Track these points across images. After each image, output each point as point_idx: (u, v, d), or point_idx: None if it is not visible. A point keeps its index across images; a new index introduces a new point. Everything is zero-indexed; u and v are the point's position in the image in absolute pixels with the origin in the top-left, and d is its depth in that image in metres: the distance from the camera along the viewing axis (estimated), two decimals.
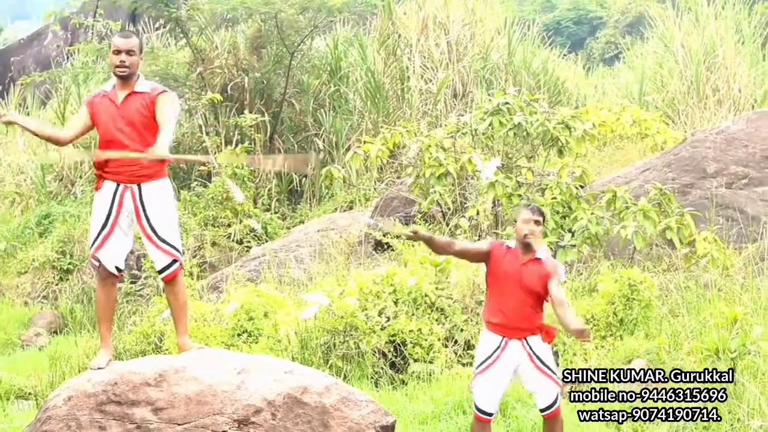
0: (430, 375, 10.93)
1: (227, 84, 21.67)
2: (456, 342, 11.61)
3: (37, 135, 8.15)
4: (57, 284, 18.78)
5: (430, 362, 11.16)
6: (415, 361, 11.17)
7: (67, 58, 29.43)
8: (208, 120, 21.48)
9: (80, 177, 23.28)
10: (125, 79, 7.88)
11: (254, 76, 21.90)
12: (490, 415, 7.92)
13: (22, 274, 19.33)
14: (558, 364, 7.89)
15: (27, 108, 26.83)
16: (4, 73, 32.53)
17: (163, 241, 7.92)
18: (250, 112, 20.74)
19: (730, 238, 13.59)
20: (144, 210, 7.82)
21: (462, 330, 11.66)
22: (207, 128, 21.16)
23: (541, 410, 7.99)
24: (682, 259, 13.02)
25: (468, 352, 11.33)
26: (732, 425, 8.79)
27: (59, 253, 19.43)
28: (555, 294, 7.54)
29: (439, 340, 11.40)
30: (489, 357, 7.87)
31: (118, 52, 7.82)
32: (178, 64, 22.17)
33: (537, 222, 7.81)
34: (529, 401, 9.30)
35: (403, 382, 11.01)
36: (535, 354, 7.76)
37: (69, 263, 19.18)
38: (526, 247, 7.80)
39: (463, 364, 11.12)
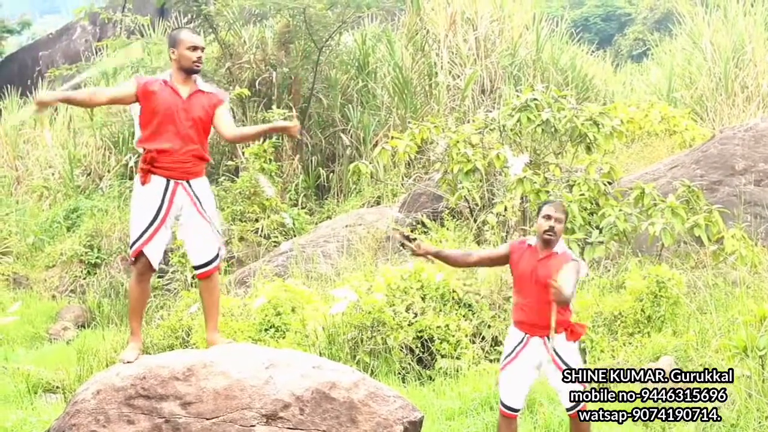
0: (457, 371, 10.95)
1: (255, 79, 21.72)
2: (483, 338, 11.62)
3: (71, 102, 8.52)
4: (84, 278, 18.87)
5: (458, 358, 11.17)
6: (443, 357, 11.19)
7: (96, 53, 29.48)
8: (235, 115, 21.48)
9: (108, 171, 23.36)
10: (191, 75, 8.01)
11: (282, 71, 21.93)
12: (516, 410, 7.90)
13: (50, 268, 19.44)
14: (585, 362, 7.82)
15: None
16: (33, 67, 32.59)
17: (217, 231, 8.13)
18: (278, 108, 20.74)
19: (759, 235, 13.55)
20: (200, 202, 7.94)
21: (489, 326, 11.67)
22: (235, 123, 21.16)
23: (567, 409, 7.97)
24: (710, 257, 12.98)
25: (495, 348, 11.34)
26: (760, 423, 8.76)
27: (87, 247, 19.53)
28: (560, 275, 7.40)
29: (466, 336, 11.42)
30: (511, 353, 7.87)
31: (195, 48, 8.00)
32: (207, 59, 22.18)
33: (559, 220, 7.76)
34: (556, 398, 9.28)
35: (431, 378, 11.03)
36: (557, 353, 7.72)
37: (97, 257, 19.28)
38: (546, 243, 7.77)
39: (491, 361, 11.13)
